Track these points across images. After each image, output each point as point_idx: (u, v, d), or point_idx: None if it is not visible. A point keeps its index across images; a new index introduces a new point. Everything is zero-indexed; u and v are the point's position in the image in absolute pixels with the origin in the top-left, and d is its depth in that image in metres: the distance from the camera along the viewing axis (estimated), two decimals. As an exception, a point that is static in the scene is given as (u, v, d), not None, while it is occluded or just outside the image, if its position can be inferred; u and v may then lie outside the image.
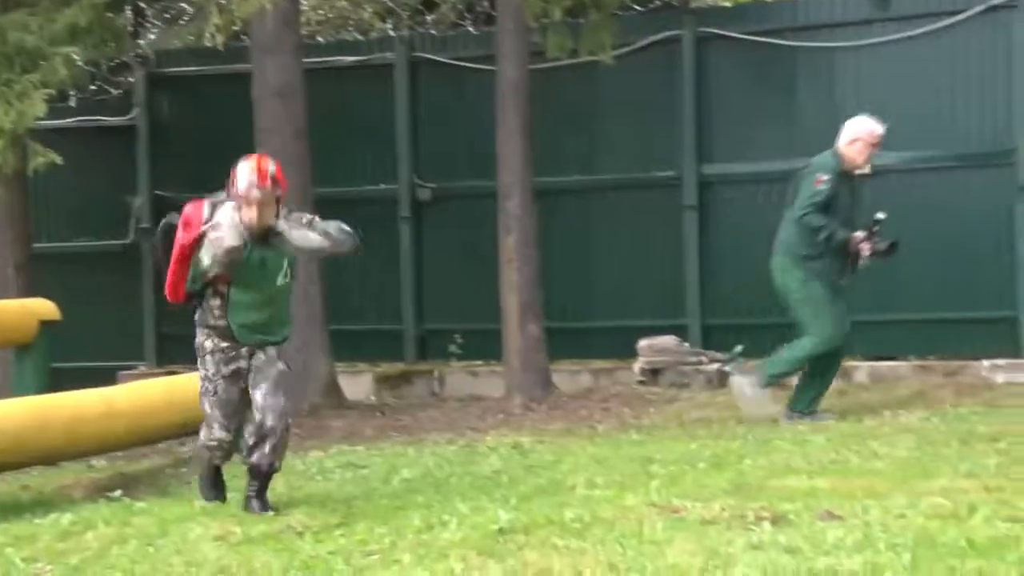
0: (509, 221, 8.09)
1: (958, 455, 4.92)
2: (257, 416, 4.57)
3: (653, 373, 8.53)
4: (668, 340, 8.62)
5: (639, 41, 9.07)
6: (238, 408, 4.68)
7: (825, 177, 6.33)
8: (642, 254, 9.15)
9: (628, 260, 9.20)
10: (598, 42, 8.42)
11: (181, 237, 4.50)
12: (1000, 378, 7.59)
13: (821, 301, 6.39)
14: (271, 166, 4.52)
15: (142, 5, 11.53)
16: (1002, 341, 8.00)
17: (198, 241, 4.49)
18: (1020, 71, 8.12)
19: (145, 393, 6.41)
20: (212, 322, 4.61)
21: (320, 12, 12.25)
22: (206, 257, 4.44)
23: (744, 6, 10.59)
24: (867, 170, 6.81)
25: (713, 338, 8.89)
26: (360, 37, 11.58)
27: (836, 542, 3.24)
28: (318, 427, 7.58)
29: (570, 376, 8.83)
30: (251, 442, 4.58)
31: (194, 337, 4.74)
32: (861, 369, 8.28)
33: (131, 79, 10.61)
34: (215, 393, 4.63)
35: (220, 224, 4.41)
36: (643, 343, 8.55)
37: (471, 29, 10.82)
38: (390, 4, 11.88)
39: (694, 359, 8.61)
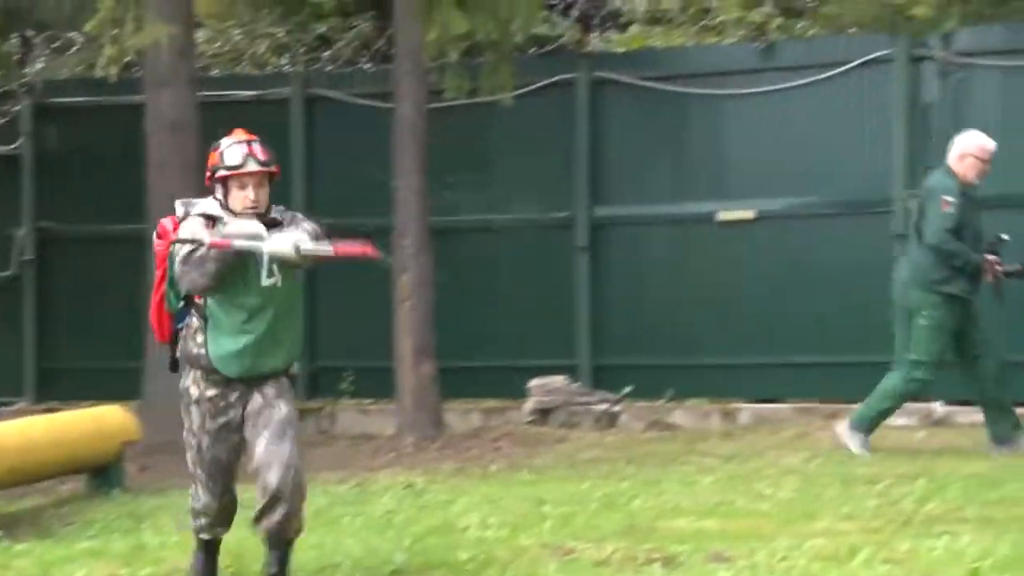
0: (404, 259, 8.13)
1: (839, 497, 5.11)
2: (257, 466, 3.79)
3: (543, 413, 8.61)
4: (559, 380, 8.74)
5: (535, 83, 9.24)
6: (227, 467, 3.94)
7: (950, 199, 6.26)
8: (535, 294, 9.28)
9: (521, 300, 9.30)
10: (496, 83, 8.55)
11: (158, 251, 3.88)
12: (875, 421, 7.82)
13: (944, 329, 6.38)
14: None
15: (29, 34, 11.40)
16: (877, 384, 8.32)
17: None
18: (897, 122, 8.51)
19: (27, 430, 6.15)
20: (195, 351, 3.81)
21: (215, 45, 12.23)
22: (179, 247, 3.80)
23: (638, 52, 10.90)
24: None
25: (603, 378, 9.02)
26: (255, 72, 11.62)
27: (725, 584, 3.30)
28: (206, 465, 7.42)
29: (461, 415, 8.90)
30: (259, 506, 3.79)
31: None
32: (744, 411, 8.55)
33: (17, 108, 10.41)
34: (199, 450, 3.89)
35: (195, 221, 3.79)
36: (534, 383, 8.65)
37: (368, 67, 10.93)
38: (285, 40, 11.96)
39: (584, 399, 8.72)
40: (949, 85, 8.56)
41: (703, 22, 11.10)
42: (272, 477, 3.69)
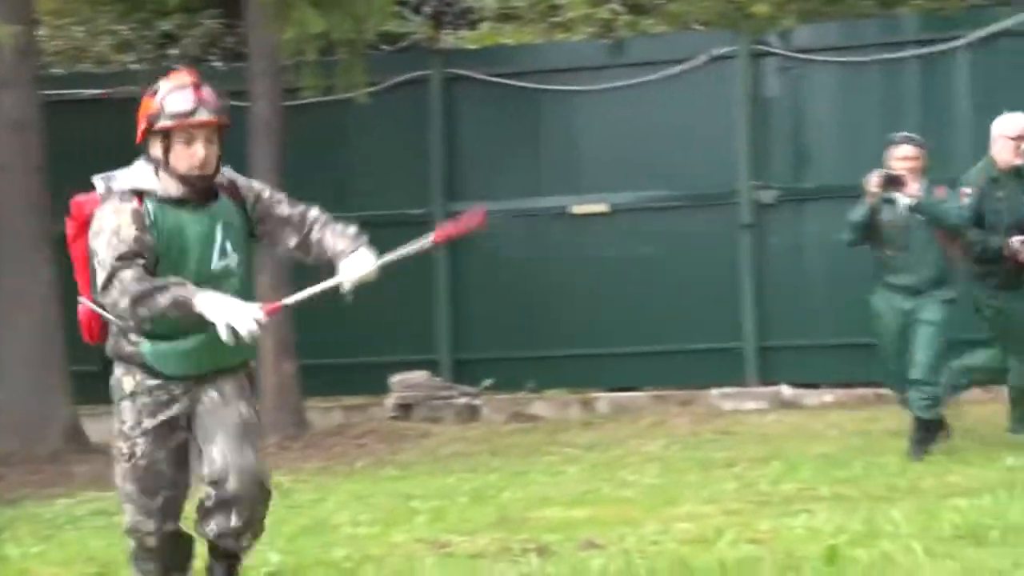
0: (262, 259, 8.09)
1: (699, 481, 5.34)
2: (214, 477, 3.14)
3: (405, 408, 8.73)
4: (420, 375, 8.85)
5: (390, 80, 9.31)
6: (168, 480, 3.20)
7: (968, 190, 6.18)
8: (394, 290, 9.24)
9: (381, 296, 9.16)
10: (350, 81, 8.61)
11: (71, 235, 3.21)
12: (728, 406, 8.24)
13: (1012, 320, 6.26)
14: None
15: None
16: (729, 370, 8.66)
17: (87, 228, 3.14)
18: (740, 117, 8.85)
19: None
20: (127, 349, 3.14)
21: (56, 43, 11.92)
22: (102, 245, 3.01)
23: (490, 48, 11.10)
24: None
25: (464, 372, 9.17)
26: (100, 70, 11.35)
27: (600, 570, 3.44)
28: (62, 473, 7.30)
29: (322, 413, 8.92)
30: (208, 503, 3.16)
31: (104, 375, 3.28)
32: (602, 400, 8.81)
33: None
34: (130, 457, 3.14)
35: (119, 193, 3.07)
36: (395, 379, 8.76)
37: (218, 64, 10.79)
38: (129, 37, 11.73)
39: (445, 393, 8.86)
40: (788, 80, 8.97)
41: (552, 19, 11.35)
42: (231, 483, 3.09)
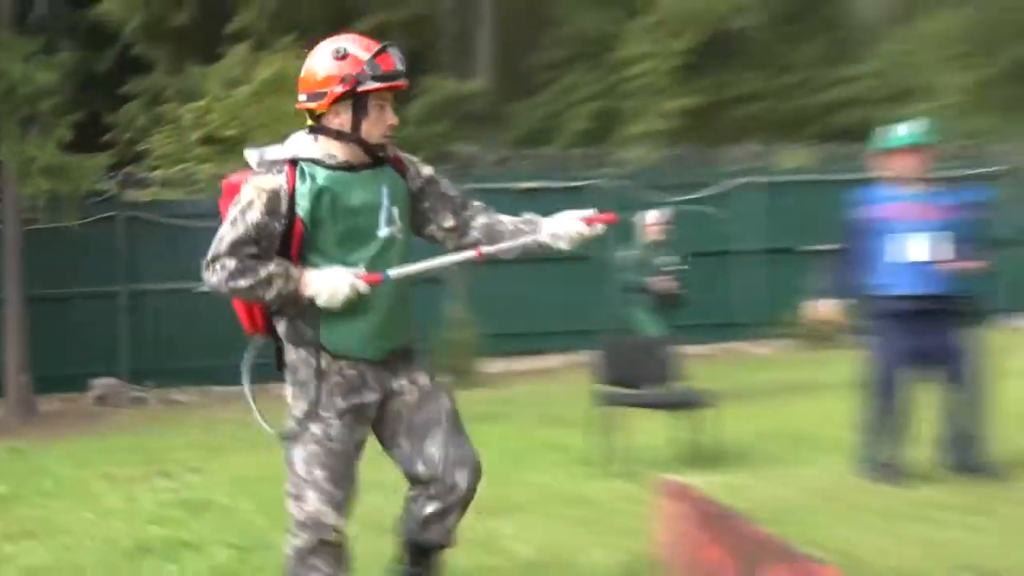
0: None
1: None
2: (441, 475, 2.99)
3: (101, 399, 12.93)
4: (110, 380, 13.11)
5: (94, 217, 13.45)
6: (355, 466, 2.97)
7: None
8: (89, 321, 13.74)
9: (79, 325, 13.64)
10: (70, 218, 12.57)
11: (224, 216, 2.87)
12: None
13: None
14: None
15: None
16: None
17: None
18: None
19: None
20: (308, 334, 2.91)
21: None
22: (230, 214, 2.82)
23: (156, 201, 14.30)
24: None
25: (138, 377, 13.49)
26: None
27: None
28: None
29: (48, 403, 12.51)
30: (427, 511, 3.03)
31: None
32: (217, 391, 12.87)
33: None
34: (324, 439, 2.85)
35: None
36: (95, 381, 13.04)
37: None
38: None
39: (125, 391, 13.13)
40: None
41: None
42: (460, 480, 2.99)
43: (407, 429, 3.05)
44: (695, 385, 7.24)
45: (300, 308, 2.91)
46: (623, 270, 9.08)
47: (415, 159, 3.13)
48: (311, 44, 3.09)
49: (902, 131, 5.63)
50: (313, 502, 2.88)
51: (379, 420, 3.08)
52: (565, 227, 3.00)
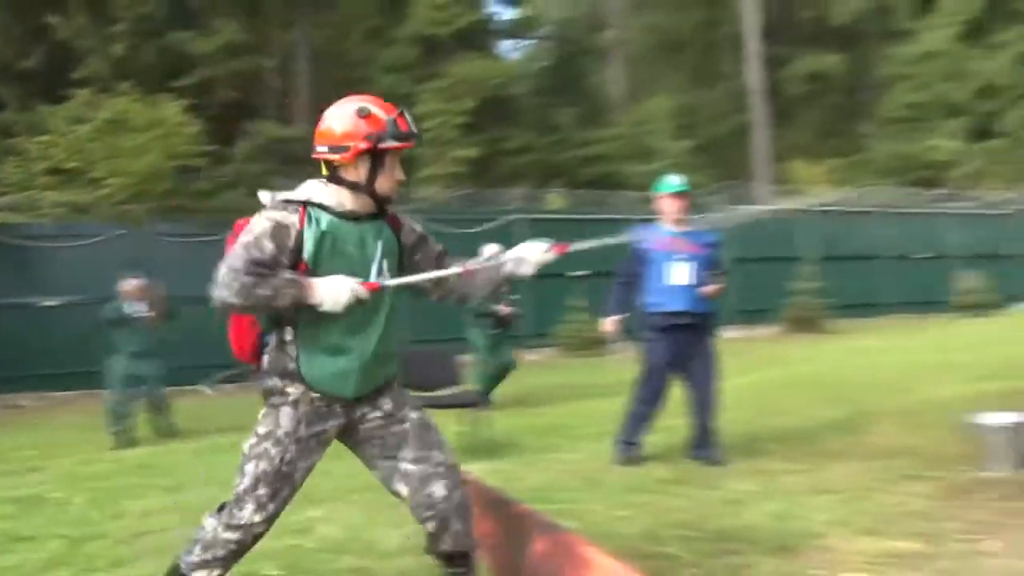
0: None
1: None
2: (415, 491, 2.79)
3: None
4: None
5: None
6: (293, 488, 2.77)
7: None
8: None
9: None
10: None
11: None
12: None
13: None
14: None
15: None
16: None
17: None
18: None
19: None
20: (290, 366, 2.70)
21: None
22: (240, 239, 2.60)
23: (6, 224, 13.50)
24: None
25: None
26: None
27: None
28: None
29: None
30: (429, 528, 2.84)
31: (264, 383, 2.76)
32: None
33: None
34: (279, 462, 2.68)
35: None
36: None
37: None
38: None
39: None
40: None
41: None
42: (438, 489, 2.78)
43: (381, 451, 2.85)
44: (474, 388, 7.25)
45: (290, 341, 2.72)
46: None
47: (408, 217, 2.96)
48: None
49: (671, 181, 5.74)
50: (250, 513, 2.71)
51: (355, 445, 2.90)
52: (529, 254, 2.88)
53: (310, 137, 2.80)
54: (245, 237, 2.61)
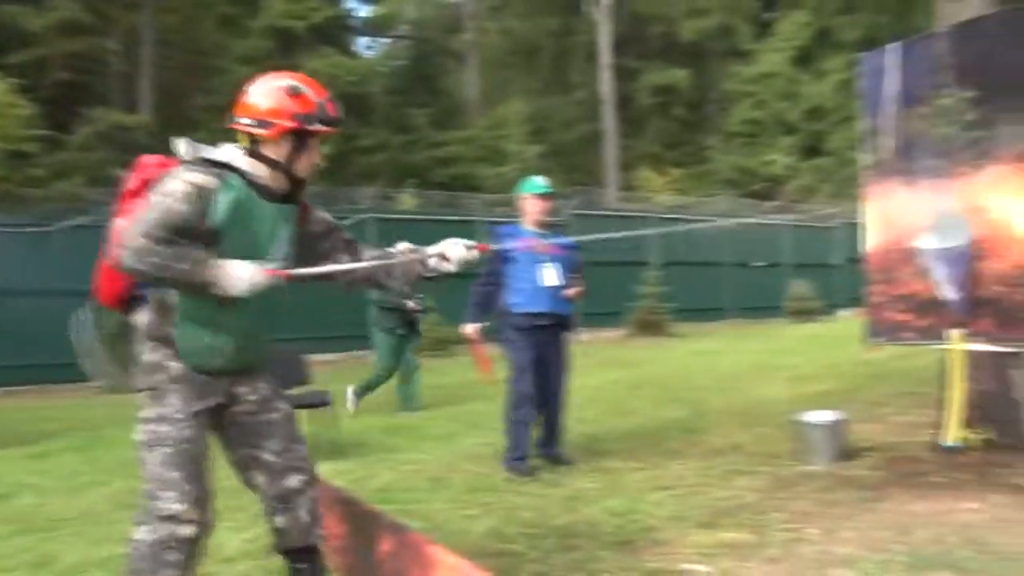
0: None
1: None
2: (272, 482, 2.78)
3: None
4: None
5: None
6: (205, 462, 2.64)
7: None
8: None
9: None
10: None
11: (129, 190, 2.62)
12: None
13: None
14: None
15: None
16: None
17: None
18: None
19: None
20: (168, 331, 2.58)
21: None
22: (154, 200, 2.43)
23: None
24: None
25: None
26: None
27: None
28: None
29: None
30: (278, 522, 2.81)
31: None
32: None
33: None
34: (179, 442, 2.54)
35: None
36: None
37: None
38: None
39: None
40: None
41: None
42: (294, 482, 2.77)
43: (246, 436, 2.77)
44: (323, 388, 7.12)
45: (186, 295, 2.55)
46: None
47: (317, 206, 2.86)
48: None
49: (538, 182, 5.72)
50: (172, 502, 2.54)
51: (218, 425, 2.76)
52: (452, 251, 2.81)
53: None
54: (159, 198, 2.45)
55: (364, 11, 30.16)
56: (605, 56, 31.11)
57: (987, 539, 3.66)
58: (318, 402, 6.66)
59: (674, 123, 35.22)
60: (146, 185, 2.56)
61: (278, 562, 3.06)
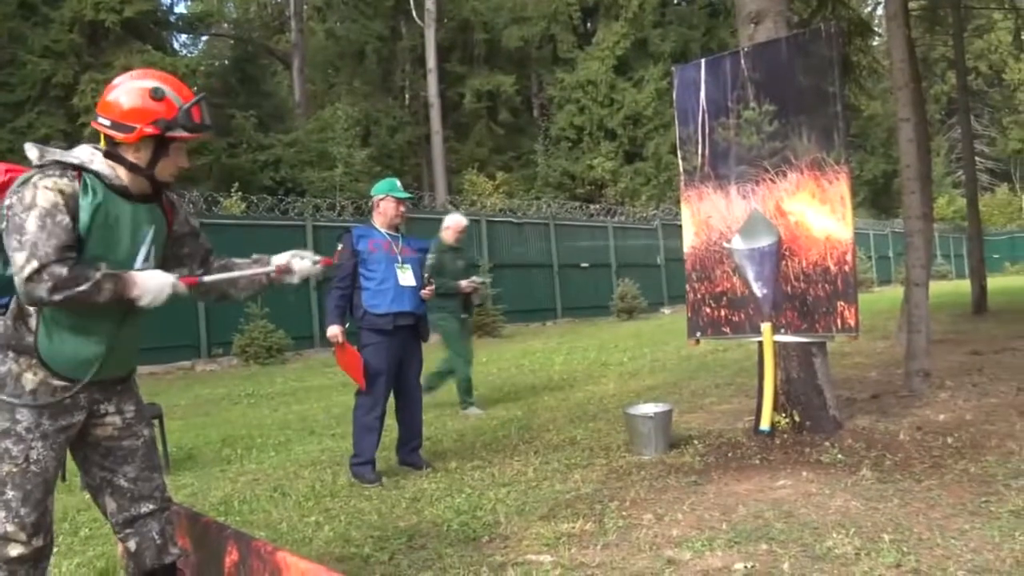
0: None
1: None
2: (123, 507, 2.67)
3: None
4: None
5: None
6: (51, 486, 2.50)
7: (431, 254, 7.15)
8: None
9: None
10: None
11: None
12: None
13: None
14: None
15: None
16: None
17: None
18: None
19: None
20: (27, 339, 2.43)
21: None
22: (32, 222, 2.27)
23: None
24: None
25: None
26: None
27: None
28: None
29: None
30: (132, 547, 2.70)
31: None
32: None
33: None
34: (23, 461, 2.40)
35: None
36: None
37: None
38: None
39: None
40: None
41: None
42: (146, 508, 2.69)
43: (104, 459, 2.64)
44: (152, 401, 6.82)
45: (24, 316, 2.42)
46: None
47: (183, 207, 2.77)
48: None
49: (397, 185, 5.71)
50: (2, 523, 2.39)
51: (79, 444, 2.61)
52: (297, 264, 2.77)
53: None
54: (34, 214, 2.28)
55: (181, 7, 28.93)
56: (431, 60, 31.29)
57: (797, 511, 4.03)
58: (149, 415, 6.37)
59: (500, 127, 35.88)
60: None
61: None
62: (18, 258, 2.26)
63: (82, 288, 2.29)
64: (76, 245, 2.35)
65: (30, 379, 2.43)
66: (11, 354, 2.44)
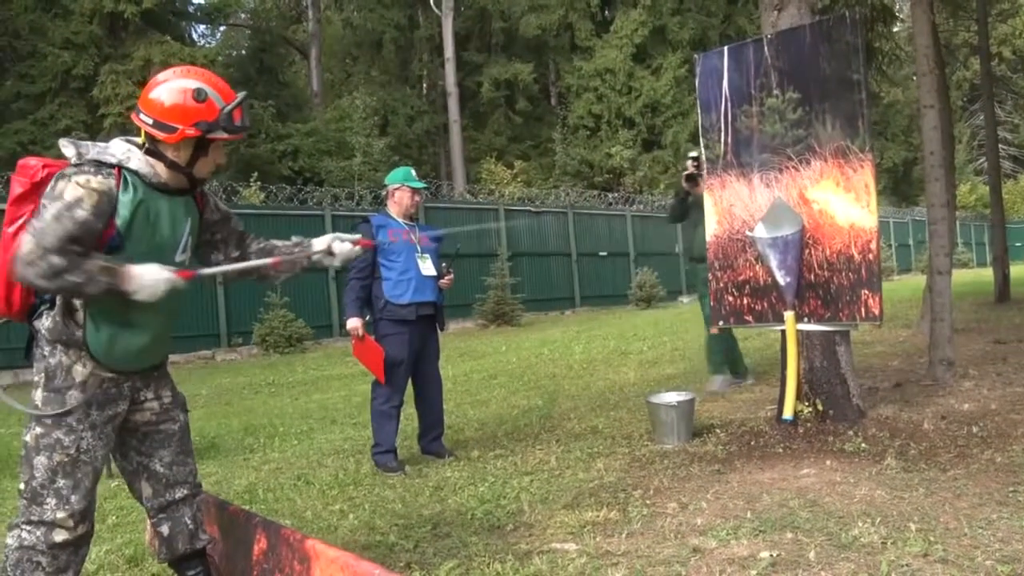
0: None
1: None
2: (158, 492, 2.78)
3: None
4: None
5: None
6: (98, 476, 2.57)
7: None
8: None
9: None
10: None
11: (16, 195, 2.46)
12: None
13: None
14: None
15: None
16: None
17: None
18: None
19: None
20: (76, 333, 2.48)
21: None
22: (51, 211, 2.31)
23: None
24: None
25: None
26: None
27: None
28: None
29: None
30: (163, 530, 2.82)
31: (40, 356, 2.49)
32: None
33: None
34: (74, 451, 2.47)
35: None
36: None
37: None
38: None
39: None
40: None
41: None
42: (180, 494, 2.81)
43: (141, 444, 2.74)
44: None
45: (81, 305, 2.47)
46: None
47: (212, 195, 2.84)
48: None
49: (412, 174, 5.69)
50: (52, 510, 2.46)
51: (116, 428, 2.67)
52: (337, 247, 2.82)
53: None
54: (56, 205, 2.33)
55: (199, -2, 28.99)
56: (448, 49, 31.23)
57: (822, 500, 4.01)
58: (183, 400, 6.42)
59: (518, 116, 35.78)
60: (36, 189, 2.46)
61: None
62: (24, 239, 2.31)
63: (73, 279, 2.31)
64: (88, 240, 2.37)
65: (80, 371, 2.50)
66: (60, 347, 2.50)
